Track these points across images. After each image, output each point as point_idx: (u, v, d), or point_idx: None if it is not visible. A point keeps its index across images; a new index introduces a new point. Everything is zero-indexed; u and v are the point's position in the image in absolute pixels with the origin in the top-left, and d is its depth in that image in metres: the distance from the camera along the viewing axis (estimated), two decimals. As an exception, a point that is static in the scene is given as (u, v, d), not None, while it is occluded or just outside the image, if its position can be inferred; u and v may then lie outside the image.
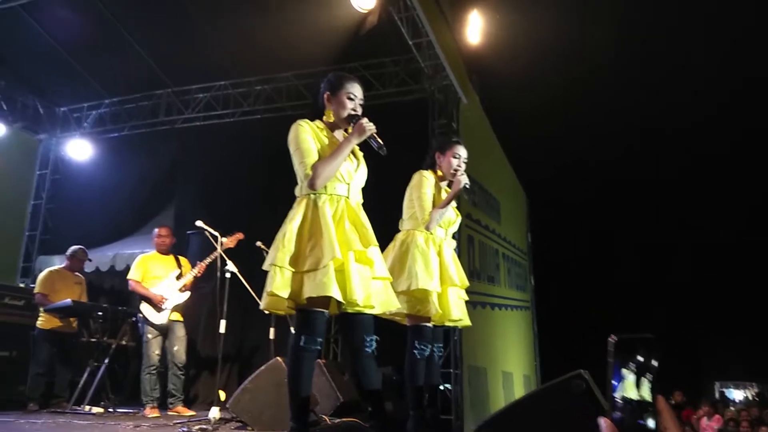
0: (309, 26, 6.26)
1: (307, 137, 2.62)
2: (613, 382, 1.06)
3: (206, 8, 6.83)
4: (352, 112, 2.73)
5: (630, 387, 1.03)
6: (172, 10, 6.88)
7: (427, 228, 3.33)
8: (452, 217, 3.55)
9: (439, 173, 3.56)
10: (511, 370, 8.32)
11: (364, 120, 2.67)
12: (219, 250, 5.06)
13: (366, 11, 5.49)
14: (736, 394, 15.82)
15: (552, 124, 9.21)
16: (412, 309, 3.29)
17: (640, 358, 1.05)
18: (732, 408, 9.56)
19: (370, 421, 2.65)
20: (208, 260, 5.49)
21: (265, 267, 2.59)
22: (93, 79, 8.15)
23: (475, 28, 6.96)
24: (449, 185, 3.55)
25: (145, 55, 7.56)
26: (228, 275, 4.97)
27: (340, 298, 2.47)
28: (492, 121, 8.84)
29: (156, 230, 5.97)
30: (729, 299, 11.13)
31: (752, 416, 8.12)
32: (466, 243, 6.89)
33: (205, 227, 5.12)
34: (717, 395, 14.74)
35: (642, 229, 11.48)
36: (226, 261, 5.05)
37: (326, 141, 2.67)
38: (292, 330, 2.64)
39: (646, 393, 1.05)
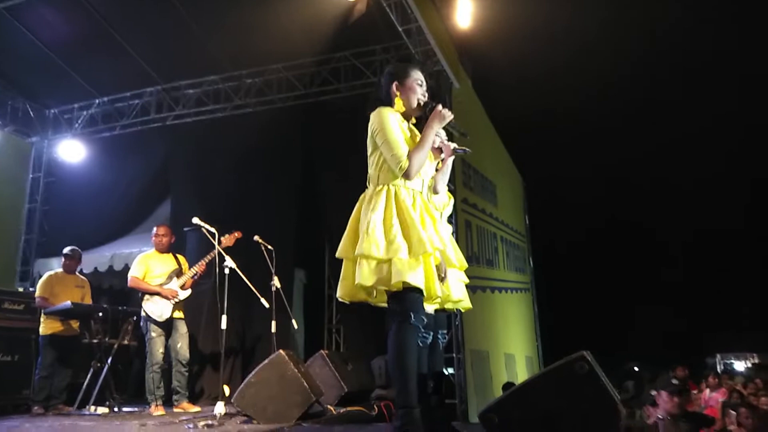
0: (298, 17, 6.21)
1: (395, 126, 2.61)
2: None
3: (193, 3, 6.77)
4: (423, 99, 2.74)
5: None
6: (158, 5, 6.81)
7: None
8: (444, 199, 3.51)
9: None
10: (513, 352, 8.36)
11: (440, 106, 2.68)
12: (217, 246, 5.04)
13: (354, 0, 5.44)
14: (738, 366, 15.93)
15: (546, 106, 9.19)
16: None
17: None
18: (737, 378, 9.59)
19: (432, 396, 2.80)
20: (207, 258, 5.47)
21: (342, 255, 2.62)
22: (82, 79, 8.08)
23: (464, 12, 6.91)
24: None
25: (133, 52, 7.49)
26: (227, 271, 4.96)
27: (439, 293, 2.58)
28: (485, 104, 8.82)
29: (155, 229, 5.94)
30: (727, 274, 11.18)
31: (757, 387, 8.16)
32: (464, 228, 6.90)
33: (202, 224, 5.08)
34: (721, 368, 14.85)
35: (638, 205, 11.50)
36: (224, 257, 5.03)
37: (407, 131, 2.69)
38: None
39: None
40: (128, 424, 4.43)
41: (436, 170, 3.42)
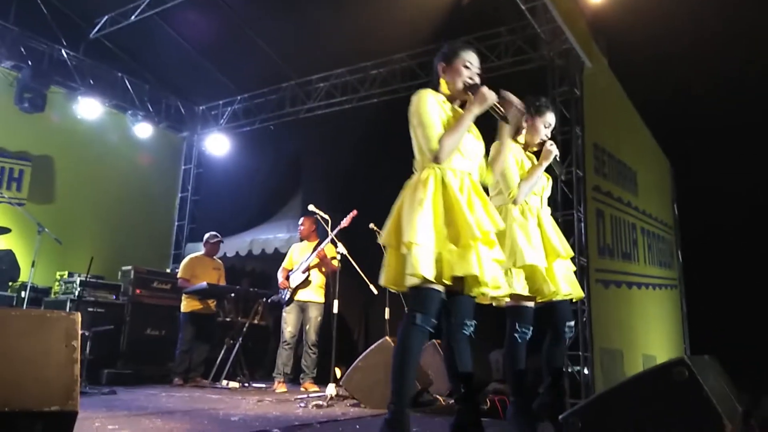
0: (415, 4, 6.14)
1: (431, 109, 2.53)
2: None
3: (320, 1, 6.95)
4: (469, 81, 2.61)
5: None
6: (289, 6, 7.09)
7: (515, 202, 3.10)
8: (544, 182, 3.29)
9: (523, 139, 3.30)
10: (654, 354, 7.70)
11: (484, 88, 2.55)
12: (329, 233, 5.17)
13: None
14: None
15: (698, 85, 8.25)
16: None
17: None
18: None
19: (461, 403, 2.54)
20: (324, 245, 5.64)
21: (385, 242, 2.50)
22: (225, 78, 8.70)
23: (597, -15, 6.41)
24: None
25: (269, 51, 7.91)
26: (338, 257, 5.07)
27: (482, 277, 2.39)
28: (626, 85, 8.14)
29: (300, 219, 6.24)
30: None
31: None
32: (594, 217, 6.45)
33: (317, 211, 5.25)
34: None
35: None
36: (336, 244, 5.14)
37: (450, 113, 2.59)
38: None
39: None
40: (248, 399, 4.71)
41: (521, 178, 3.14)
